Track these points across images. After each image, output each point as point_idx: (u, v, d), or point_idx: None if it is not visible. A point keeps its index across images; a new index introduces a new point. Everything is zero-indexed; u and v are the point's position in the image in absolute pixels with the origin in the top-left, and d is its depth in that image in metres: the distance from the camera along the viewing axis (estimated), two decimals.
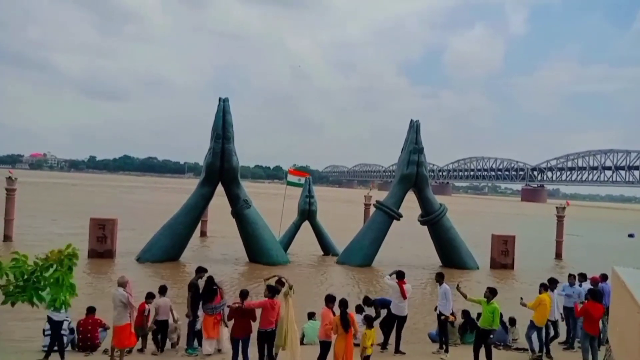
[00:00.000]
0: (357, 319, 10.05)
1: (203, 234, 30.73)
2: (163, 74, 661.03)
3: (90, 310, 10.22)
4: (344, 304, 8.73)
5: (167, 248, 21.62)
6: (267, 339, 9.02)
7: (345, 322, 8.35)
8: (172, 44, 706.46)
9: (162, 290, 10.40)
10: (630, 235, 51.32)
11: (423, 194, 24.70)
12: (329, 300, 9.25)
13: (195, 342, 10.35)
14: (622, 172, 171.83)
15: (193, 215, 22.42)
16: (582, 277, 12.92)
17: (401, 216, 24.34)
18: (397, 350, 10.69)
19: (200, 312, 10.21)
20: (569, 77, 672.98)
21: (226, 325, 10.08)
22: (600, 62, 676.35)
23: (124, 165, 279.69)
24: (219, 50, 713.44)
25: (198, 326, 10.21)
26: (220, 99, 22.23)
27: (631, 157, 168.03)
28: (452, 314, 11.35)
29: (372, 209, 26.11)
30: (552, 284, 11.41)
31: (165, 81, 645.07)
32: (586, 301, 10.86)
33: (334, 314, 9.58)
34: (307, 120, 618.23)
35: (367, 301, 11.87)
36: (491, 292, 10.05)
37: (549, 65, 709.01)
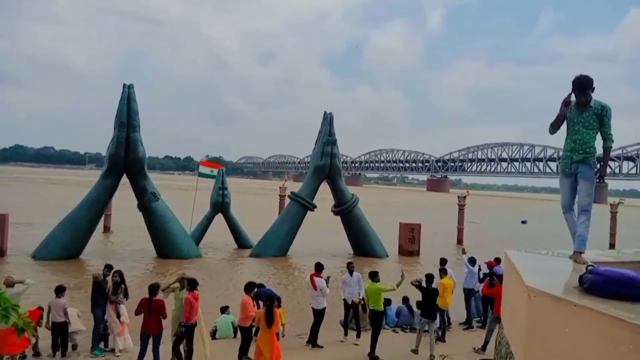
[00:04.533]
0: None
1: (106, 228, 29.01)
2: (68, 58, 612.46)
3: None
4: (270, 299, 8.66)
5: (66, 244, 20.13)
6: (192, 332, 8.93)
7: (270, 317, 8.30)
8: (79, 26, 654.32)
9: (59, 290, 9.67)
10: (523, 222, 56.00)
11: (336, 185, 25.24)
12: (249, 288, 9.77)
13: (102, 344, 9.84)
14: (516, 164, 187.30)
15: (95, 209, 21.04)
16: (472, 261, 13.86)
17: (315, 207, 24.67)
18: (315, 344, 10.68)
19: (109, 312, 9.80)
20: (477, 75, 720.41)
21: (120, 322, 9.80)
22: (506, 60, 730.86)
23: (16, 155, 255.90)
24: (133, 34, 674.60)
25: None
26: (124, 85, 20.96)
27: (524, 150, 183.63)
28: (363, 299, 11.70)
29: (287, 200, 26.21)
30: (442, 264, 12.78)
31: (70, 66, 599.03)
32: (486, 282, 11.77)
33: (253, 300, 9.79)
34: (222, 111, 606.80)
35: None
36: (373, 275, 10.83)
37: (460, 62, 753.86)
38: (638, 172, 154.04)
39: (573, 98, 5.21)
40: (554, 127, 5.41)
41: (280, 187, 34.44)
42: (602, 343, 2.84)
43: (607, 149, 5.28)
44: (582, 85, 5.08)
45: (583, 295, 3.33)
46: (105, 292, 9.80)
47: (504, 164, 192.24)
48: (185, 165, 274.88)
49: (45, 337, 9.57)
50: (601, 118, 5.20)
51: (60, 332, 9.41)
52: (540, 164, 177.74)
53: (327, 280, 11.05)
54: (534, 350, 3.45)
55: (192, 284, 9.02)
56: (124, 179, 21.41)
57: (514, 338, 4.15)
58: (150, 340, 8.75)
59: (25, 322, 3.68)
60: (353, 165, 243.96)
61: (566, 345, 3.11)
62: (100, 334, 9.82)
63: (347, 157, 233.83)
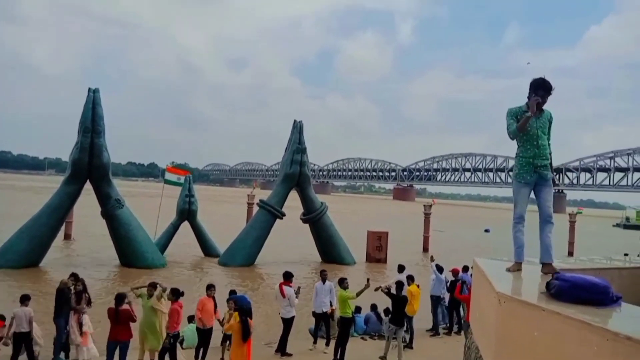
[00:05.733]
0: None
1: (67, 236, 28.08)
2: (30, 58, 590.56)
3: None
4: (245, 313, 8.55)
5: (25, 252, 19.38)
6: (176, 341, 8.94)
7: (246, 332, 8.22)
8: (44, 27, 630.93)
9: (23, 299, 9.37)
10: (486, 231, 57.24)
11: (305, 193, 25.28)
12: (208, 288, 10.10)
13: (62, 354, 9.54)
14: (479, 174, 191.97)
15: (57, 216, 20.37)
16: (439, 269, 14.11)
17: (284, 215, 24.61)
18: (284, 353, 10.66)
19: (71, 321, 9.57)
20: (446, 86, 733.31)
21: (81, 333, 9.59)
22: (474, 72, 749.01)
23: None
24: (99, 37, 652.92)
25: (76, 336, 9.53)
26: (89, 89, 20.49)
27: (487, 160, 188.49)
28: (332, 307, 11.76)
29: (256, 208, 26.06)
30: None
31: (32, 67, 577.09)
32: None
33: (214, 300, 9.99)
34: (190, 116, 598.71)
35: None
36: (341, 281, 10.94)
37: (429, 74, 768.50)
38: (594, 183, 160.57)
39: None
40: (521, 131, 4.96)
41: (248, 195, 34.20)
42: (569, 345, 2.97)
43: (550, 155, 5.16)
44: (548, 87, 4.89)
45: (550, 300, 3.47)
46: (69, 301, 9.53)
47: (468, 174, 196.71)
48: (149, 171, 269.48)
49: (5, 348, 9.19)
50: (550, 125, 5.11)
51: (25, 343, 9.09)
52: (503, 174, 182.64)
53: (297, 291, 10.97)
54: (505, 354, 3.57)
55: (175, 294, 9.00)
56: (87, 185, 20.85)
57: (484, 343, 4.27)
58: (118, 351, 8.56)
59: None
60: (321, 173, 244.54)
61: (535, 348, 3.23)
62: (62, 344, 9.52)
63: (315, 165, 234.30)
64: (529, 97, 4.96)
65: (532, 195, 5.16)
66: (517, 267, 4.92)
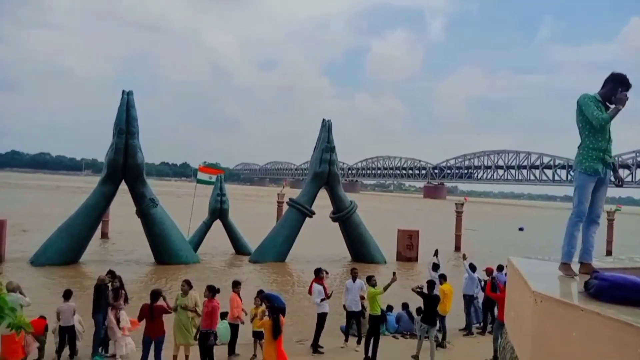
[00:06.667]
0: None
1: (104, 234, 28.89)
2: (66, 64, 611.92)
3: None
4: (277, 310, 8.48)
5: (64, 250, 20.08)
6: (208, 339, 9.11)
7: (277, 329, 8.27)
8: (78, 33, 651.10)
9: (67, 294, 9.77)
10: (520, 229, 55.88)
11: (334, 192, 25.30)
12: (235, 285, 10.40)
13: (102, 350, 9.87)
14: (512, 171, 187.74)
15: (93, 215, 21.01)
16: (472, 268, 13.90)
17: (314, 213, 24.71)
18: (315, 349, 10.75)
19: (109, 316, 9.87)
20: (476, 83, 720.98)
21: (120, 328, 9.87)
22: (505, 69, 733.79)
23: (12, 161, 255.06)
24: (132, 41, 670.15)
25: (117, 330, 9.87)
26: (123, 91, 21.04)
27: (520, 158, 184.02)
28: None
29: (285, 207, 26.24)
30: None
31: (68, 72, 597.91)
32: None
33: (239, 297, 10.22)
34: (220, 117, 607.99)
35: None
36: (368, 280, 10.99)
37: (460, 71, 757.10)
38: (633, 180, 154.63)
39: None
40: (608, 122, 4.72)
41: (278, 194, 34.46)
42: (609, 347, 2.88)
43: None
44: (629, 85, 4.72)
45: (589, 300, 3.38)
46: (107, 297, 9.83)
47: (501, 172, 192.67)
48: (182, 171, 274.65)
49: (50, 342, 9.57)
50: None
51: (69, 336, 9.45)
52: (537, 172, 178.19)
53: (329, 295, 11.10)
54: (541, 354, 3.49)
55: (212, 291, 9.21)
56: (122, 185, 21.42)
57: (520, 343, 4.19)
58: (153, 346, 8.78)
59: (22, 322, 3.68)
60: (350, 172, 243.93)
61: (573, 349, 3.15)
62: (101, 340, 9.83)
63: (344, 163, 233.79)
64: (607, 88, 4.79)
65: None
66: (571, 269, 4.60)
